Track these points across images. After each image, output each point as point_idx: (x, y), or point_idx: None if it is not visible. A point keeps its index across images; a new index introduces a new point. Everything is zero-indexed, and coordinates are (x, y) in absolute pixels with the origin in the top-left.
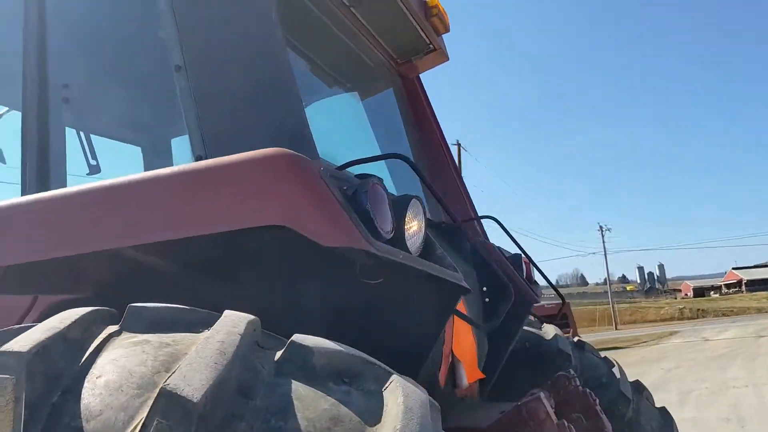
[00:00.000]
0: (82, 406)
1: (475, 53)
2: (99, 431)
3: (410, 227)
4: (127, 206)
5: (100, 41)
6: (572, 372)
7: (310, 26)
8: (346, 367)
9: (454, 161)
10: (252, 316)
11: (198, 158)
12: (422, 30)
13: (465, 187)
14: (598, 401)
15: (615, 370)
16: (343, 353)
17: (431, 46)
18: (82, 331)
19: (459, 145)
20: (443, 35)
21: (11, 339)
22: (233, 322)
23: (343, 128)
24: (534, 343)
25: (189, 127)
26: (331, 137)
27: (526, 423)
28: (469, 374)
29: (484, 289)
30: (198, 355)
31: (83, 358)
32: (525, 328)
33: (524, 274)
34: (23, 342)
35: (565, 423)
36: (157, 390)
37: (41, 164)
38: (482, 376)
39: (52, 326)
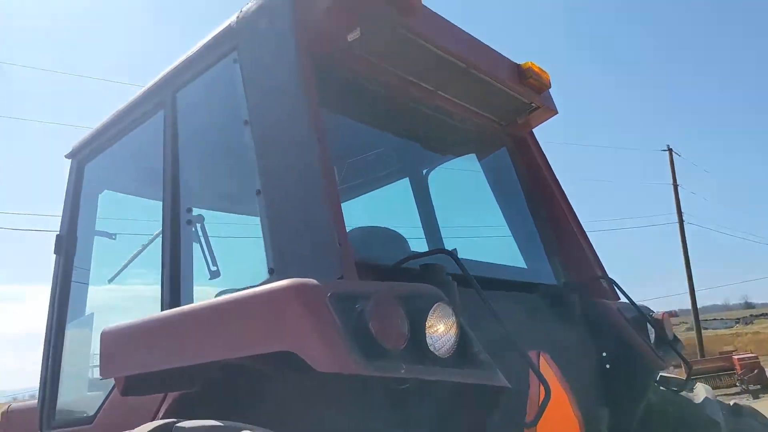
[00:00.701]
0: None
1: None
2: None
3: (434, 330)
4: (185, 334)
5: (211, 173)
6: None
7: (402, 115)
8: None
9: (574, 214)
10: None
11: (270, 270)
12: (519, 94)
13: (588, 240)
14: None
15: None
16: None
17: (533, 104)
18: None
19: (671, 150)
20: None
21: None
22: None
23: (462, 190)
24: (678, 408)
25: (264, 242)
26: (450, 200)
27: None
28: None
29: (604, 354)
30: None
31: None
32: (674, 389)
33: (653, 336)
34: None
35: None
36: None
37: (174, 279)
38: None
39: None
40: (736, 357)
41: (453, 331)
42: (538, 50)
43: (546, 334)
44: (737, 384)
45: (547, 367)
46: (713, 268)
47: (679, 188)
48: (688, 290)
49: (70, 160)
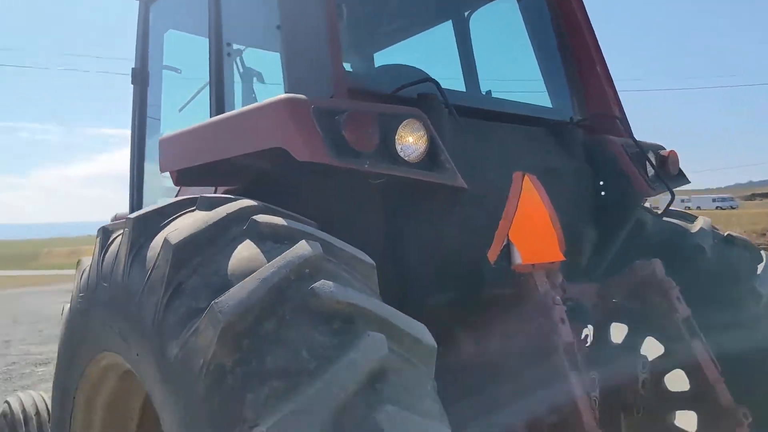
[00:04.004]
0: None
1: None
2: None
3: (404, 140)
4: (209, 137)
5: (245, 12)
6: (654, 261)
7: None
8: (287, 233)
9: (601, 56)
10: (251, 203)
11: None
12: None
13: (611, 80)
14: (678, 289)
15: (760, 266)
16: (286, 226)
17: None
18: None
19: None
20: None
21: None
22: (230, 205)
23: (501, 33)
24: (675, 235)
25: (282, 71)
26: (489, 43)
27: (522, 291)
28: (528, 254)
29: (601, 182)
30: (194, 221)
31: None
32: (676, 221)
33: (649, 170)
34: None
35: (553, 295)
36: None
37: (219, 96)
38: (560, 258)
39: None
40: None
41: (423, 142)
42: None
43: (540, 161)
44: None
45: (531, 187)
46: None
47: None
48: None
49: (138, 1)
